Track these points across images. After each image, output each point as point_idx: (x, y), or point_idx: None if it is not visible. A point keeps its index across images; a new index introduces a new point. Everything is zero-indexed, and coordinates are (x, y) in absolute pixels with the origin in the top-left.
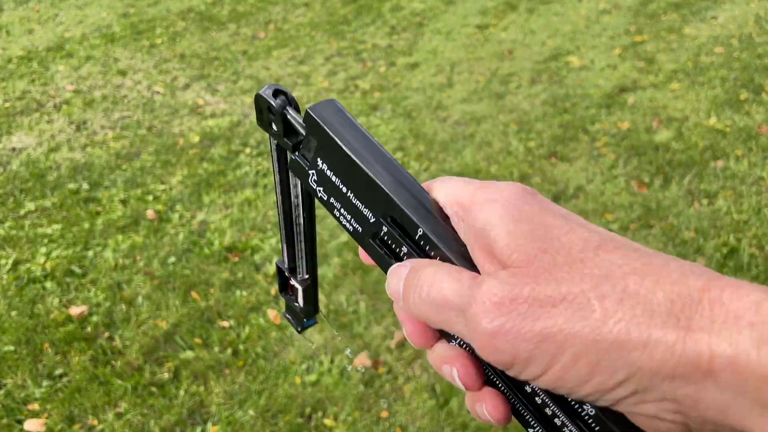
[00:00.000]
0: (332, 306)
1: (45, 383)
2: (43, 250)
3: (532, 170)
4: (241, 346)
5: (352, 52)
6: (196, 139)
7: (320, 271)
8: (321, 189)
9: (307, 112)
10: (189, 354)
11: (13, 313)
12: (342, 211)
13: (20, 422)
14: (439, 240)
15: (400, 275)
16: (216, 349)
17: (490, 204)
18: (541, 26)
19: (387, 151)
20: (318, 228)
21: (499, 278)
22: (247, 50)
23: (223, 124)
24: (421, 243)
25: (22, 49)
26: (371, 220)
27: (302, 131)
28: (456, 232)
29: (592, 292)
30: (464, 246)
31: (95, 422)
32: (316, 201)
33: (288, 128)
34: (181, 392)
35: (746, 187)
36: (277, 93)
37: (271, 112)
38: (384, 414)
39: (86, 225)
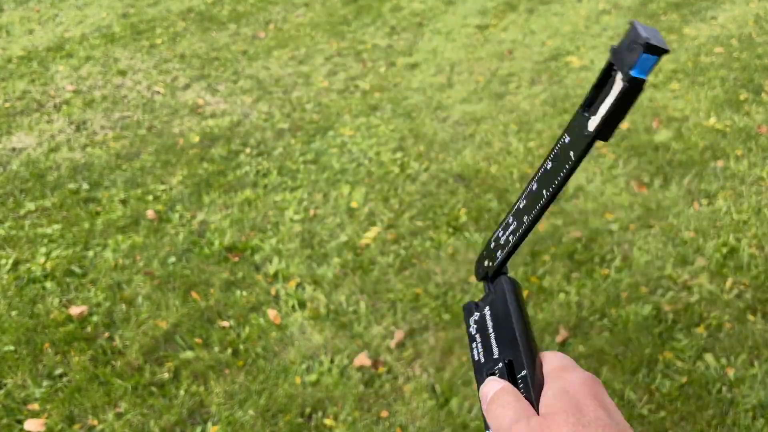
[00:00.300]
0: (332, 306)
1: (45, 383)
2: (43, 250)
3: (532, 170)
4: (241, 346)
5: (352, 52)
6: (196, 139)
7: (319, 271)
8: (475, 326)
9: (497, 280)
10: (189, 354)
11: (13, 313)
12: (479, 345)
13: (20, 422)
14: (529, 383)
15: (495, 388)
16: (216, 349)
17: (563, 375)
18: (541, 26)
19: (528, 324)
20: (318, 227)
21: (531, 422)
22: (248, 50)
23: (223, 124)
24: (519, 382)
25: (22, 49)
26: (495, 357)
27: (488, 289)
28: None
29: None
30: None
31: (95, 422)
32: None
33: (486, 285)
34: (181, 392)
35: (746, 187)
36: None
37: (487, 273)
38: (384, 414)
39: (86, 225)
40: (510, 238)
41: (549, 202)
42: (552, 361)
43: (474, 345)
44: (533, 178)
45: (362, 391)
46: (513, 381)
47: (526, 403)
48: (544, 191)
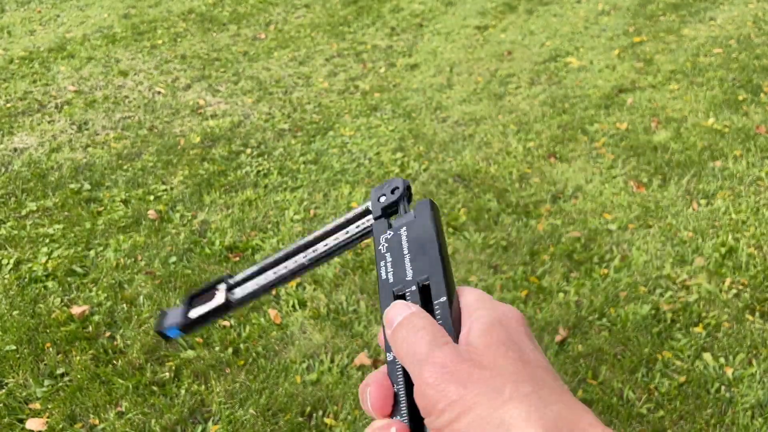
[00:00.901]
0: (332, 305)
1: (46, 382)
2: (45, 249)
3: (531, 170)
4: (241, 346)
5: (352, 53)
6: (197, 139)
7: (320, 270)
8: (386, 245)
9: (427, 202)
10: (190, 353)
11: (15, 312)
12: (388, 265)
13: (22, 421)
14: (448, 310)
15: (403, 312)
16: (217, 348)
17: (492, 306)
18: (540, 27)
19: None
20: (317, 227)
21: (457, 349)
22: (248, 51)
23: (224, 125)
24: (435, 308)
25: (23, 49)
26: (408, 278)
27: (403, 209)
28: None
29: (512, 384)
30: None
31: (96, 421)
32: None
33: (393, 207)
34: (182, 391)
35: (744, 187)
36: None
37: (396, 195)
38: None
39: (88, 225)
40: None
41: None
42: (472, 294)
43: (383, 263)
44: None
45: None
46: (426, 307)
47: (443, 330)
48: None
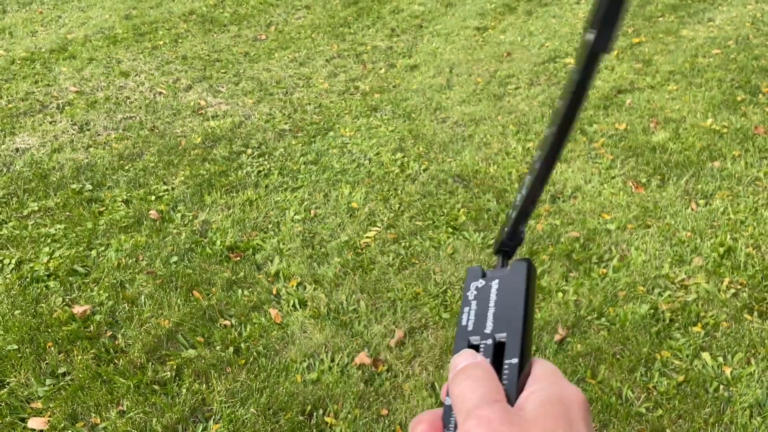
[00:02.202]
0: (333, 305)
1: (48, 382)
2: (47, 249)
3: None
4: (242, 345)
5: (352, 53)
6: (198, 139)
7: (320, 270)
8: (475, 292)
9: (525, 262)
10: (191, 352)
11: (17, 312)
12: (471, 312)
13: (24, 420)
14: (516, 373)
15: (468, 360)
16: (218, 347)
17: (559, 383)
18: (540, 28)
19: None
20: (318, 227)
21: (507, 410)
22: (249, 52)
23: (224, 125)
24: (505, 367)
25: (25, 50)
26: (486, 331)
27: (501, 264)
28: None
29: None
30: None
31: (98, 420)
32: None
33: (509, 255)
34: (184, 390)
35: (743, 188)
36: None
37: (512, 244)
38: (384, 412)
39: (89, 225)
40: (524, 193)
41: (560, 141)
42: (544, 366)
43: (467, 309)
44: (548, 125)
45: (362, 390)
46: (496, 365)
47: (501, 388)
48: (554, 128)
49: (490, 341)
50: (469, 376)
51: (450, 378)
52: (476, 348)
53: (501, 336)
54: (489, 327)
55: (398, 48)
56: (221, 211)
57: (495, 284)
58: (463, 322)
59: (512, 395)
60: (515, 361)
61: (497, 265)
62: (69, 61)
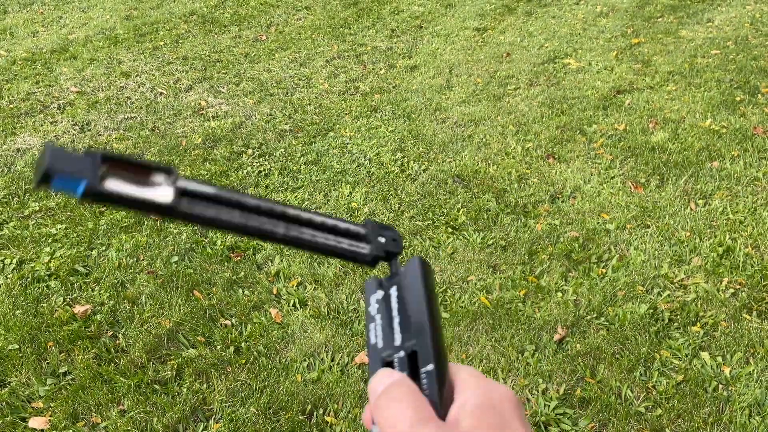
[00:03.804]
0: (333, 304)
1: (49, 381)
2: (48, 249)
3: (530, 171)
4: (243, 344)
5: (352, 54)
6: (198, 140)
7: (320, 270)
8: (376, 306)
9: (417, 260)
10: (192, 352)
11: (18, 311)
12: (377, 327)
13: (25, 420)
14: (434, 380)
15: (386, 381)
16: (218, 347)
17: (487, 386)
18: (539, 29)
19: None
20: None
21: (442, 428)
22: (249, 53)
23: (225, 126)
24: (422, 376)
25: (26, 51)
26: (396, 344)
27: (395, 267)
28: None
29: None
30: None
31: (99, 420)
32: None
33: (390, 263)
34: (184, 390)
35: (742, 188)
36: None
37: (396, 247)
38: None
39: (90, 225)
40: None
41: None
42: (466, 371)
43: (372, 326)
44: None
45: (363, 389)
46: (413, 375)
47: (427, 403)
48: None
49: (402, 353)
50: (392, 399)
51: (372, 404)
52: (390, 364)
53: (411, 344)
54: (398, 338)
55: (398, 49)
56: None
57: (393, 291)
58: (372, 341)
59: (437, 402)
60: (431, 367)
61: (391, 270)
62: (70, 61)
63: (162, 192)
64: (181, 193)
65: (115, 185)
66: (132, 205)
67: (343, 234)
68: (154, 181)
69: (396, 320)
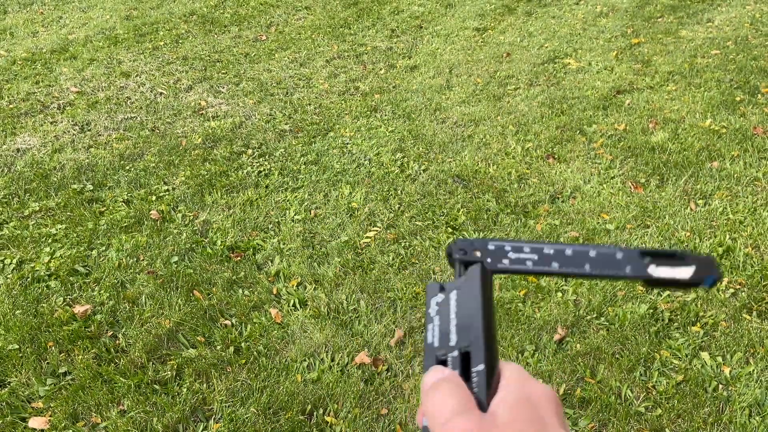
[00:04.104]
0: (333, 304)
1: (49, 381)
2: (48, 249)
3: (530, 171)
4: (243, 344)
5: (352, 54)
6: (198, 140)
7: (320, 270)
8: (436, 308)
9: (478, 267)
10: (192, 352)
11: (18, 312)
12: (435, 328)
13: (24, 420)
14: (484, 379)
15: (437, 376)
16: (218, 347)
17: (528, 383)
18: (539, 29)
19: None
20: (318, 227)
21: (480, 417)
22: (249, 53)
23: (225, 126)
24: (473, 375)
25: (26, 51)
26: (451, 344)
27: (458, 272)
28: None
29: None
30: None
31: (99, 420)
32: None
33: (455, 268)
34: (184, 390)
35: (742, 188)
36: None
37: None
38: (384, 411)
39: (90, 225)
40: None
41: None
42: (511, 369)
43: (431, 326)
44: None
45: (362, 389)
46: (465, 374)
47: (471, 397)
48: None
49: (456, 353)
50: (439, 391)
51: (422, 397)
52: (444, 362)
53: (465, 345)
54: (453, 339)
55: (398, 49)
56: (222, 211)
57: (453, 296)
58: (429, 340)
59: (484, 401)
60: (481, 367)
61: (455, 275)
62: (70, 61)
63: (685, 271)
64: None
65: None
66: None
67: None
68: (680, 263)
69: (453, 322)
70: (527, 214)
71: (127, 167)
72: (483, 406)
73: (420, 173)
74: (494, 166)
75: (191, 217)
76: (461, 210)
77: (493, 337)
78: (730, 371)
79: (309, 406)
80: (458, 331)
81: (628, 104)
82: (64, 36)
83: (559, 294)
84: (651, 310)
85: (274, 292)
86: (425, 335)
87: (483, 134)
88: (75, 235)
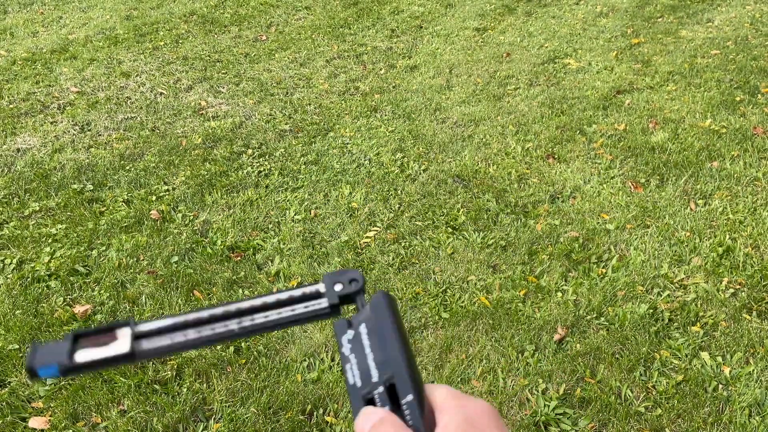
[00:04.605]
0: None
1: (49, 381)
2: (48, 249)
3: (530, 171)
4: (243, 344)
5: (352, 54)
6: (198, 140)
7: (320, 270)
8: (348, 346)
9: (382, 295)
10: (192, 352)
11: (18, 311)
12: (353, 368)
13: (25, 420)
14: (416, 409)
15: (372, 419)
16: (218, 347)
17: (464, 404)
18: (539, 29)
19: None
20: (318, 227)
21: None
22: (249, 53)
23: (225, 126)
24: (404, 407)
25: (26, 51)
26: (374, 380)
27: (360, 304)
28: (430, 410)
29: None
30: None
31: (99, 420)
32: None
33: (349, 299)
34: (184, 390)
35: (741, 188)
36: (351, 280)
37: (354, 287)
38: None
39: (90, 225)
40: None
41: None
42: (441, 390)
43: (348, 367)
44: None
45: None
46: (395, 408)
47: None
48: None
49: (381, 388)
50: None
51: None
52: (371, 401)
53: (388, 377)
54: (375, 375)
55: (398, 49)
56: (222, 211)
57: (363, 329)
58: (351, 381)
59: (421, 431)
60: (410, 397)
61: (357, 308)
62: (70, 61)
63: (121, 344)
64: (138, 337)
65: (83, 355)
66: (100, 365)
67: (299, 300)
68: (116, 336)
69: (370, 357)
70: (527, 214)
71: (127, 167)
72: None
73: (420, 173)
74: (494, 166)
75: (191, 217)
76: (461, 210)
77: (414, 362)
78: (730, 371)
79: (309, 406)
80: (378, 365)
81: (628, 104)
82: (64, 36)
83: (559, 294)
84: (651, 310)
85: (274, 291)
86: (345, 377)
87: (483, 134)
88: (75, 235)
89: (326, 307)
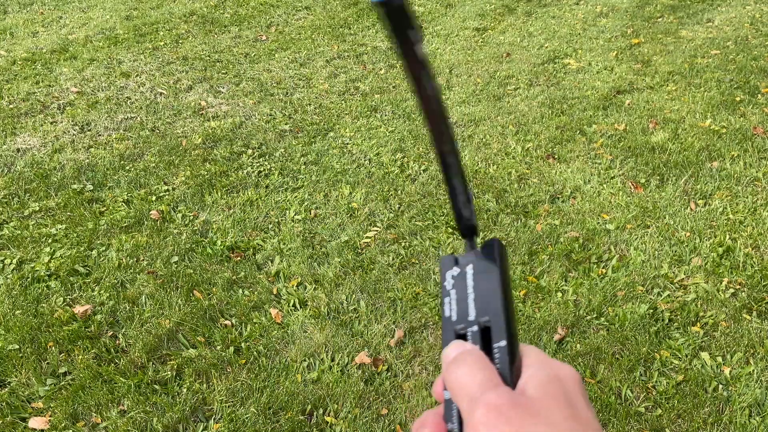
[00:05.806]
0: (333, 305)
1: (49, 381)
2: (48, 249)
3: (530, 171)
4: (243, 344)
5: (352, 54)
6: (198, 140)
7: (320, 270)
8: (452, 281)
9: (495, 242)
10: (192, 352)
11: (18, 312)
12: (452, 302)
13: (24, 420)
14: (507, 355)
15: (458, 349)
16: (218, 347)
17: (551, 363)
18: (539, 29)
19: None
20: (319, 227)
21: (512, 394)
22: (249, 53)
23: (225, 126)
24: (495, 351)
25: (26, 51)
26: (470, 318)
27: (470, 246)
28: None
29: None
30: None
31: (99, 420)
32: None
33: (469, 242)
34: (184, 390)
35: (742, 188)
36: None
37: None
38: (384, 411)
39: (90, 225)
40: (457, 178)
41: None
42: (533, 351)
43: (447, 300)
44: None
45: (362, 389)
46: (486, 350)
47: (496, 372)
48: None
49: (475, 327)
50: (464, 364)
51: (444, 370)
52: (464, 337)
53: (485, 320)
54: (472, 314)
55: None
56: (222, 211)
57: (469, 269)
58: (447, 314)
59: (507, 377)
60: (503, 343)
61: (466, 249)
62: (70, 61)
63: None
64: None
65: None
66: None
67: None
68: None
69: (471, 296)
70: (527, 214)
71: (127, 167)
72: (508, 382)
73: (420, 173)
74: (494, 166)
75: (191, 217)
76: None
77: (513, 314)
78: (730, 371)
79: (309, 406)
80: (477, 305)
81: (628, 104)
82: (64, 36)
83: (559, 294)
84: (651, 310)
85: (274, 292)
86: (442, 309)
87: (483, 134)
88: (75, 235)
89: (472, 225)
